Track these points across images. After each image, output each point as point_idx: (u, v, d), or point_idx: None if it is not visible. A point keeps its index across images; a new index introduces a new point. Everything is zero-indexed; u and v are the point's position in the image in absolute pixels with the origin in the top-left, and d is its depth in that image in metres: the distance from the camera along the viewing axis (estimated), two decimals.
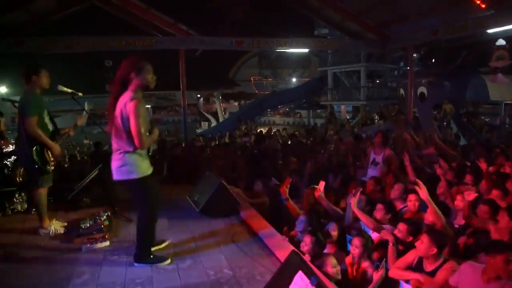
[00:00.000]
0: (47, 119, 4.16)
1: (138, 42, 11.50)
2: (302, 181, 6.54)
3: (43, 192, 4.20)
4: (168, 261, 3.46)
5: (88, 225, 4.21)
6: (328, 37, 20.89)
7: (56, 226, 4.34)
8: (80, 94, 4.65)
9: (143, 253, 3.41)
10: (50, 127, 4.22)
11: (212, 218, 4.70)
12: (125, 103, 3.07)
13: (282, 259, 3.25)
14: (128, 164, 3.20)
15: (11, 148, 5.76)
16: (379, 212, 4.25)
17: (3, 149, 5.25)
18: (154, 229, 3.57)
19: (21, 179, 5.71)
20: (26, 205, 5.22)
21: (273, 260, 3.48)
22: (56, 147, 4.16)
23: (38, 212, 4.27)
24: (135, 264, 3.39)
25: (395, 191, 4.86)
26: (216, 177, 5.16)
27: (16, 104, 4.17)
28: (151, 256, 3.44)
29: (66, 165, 9.12)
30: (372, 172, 6.11)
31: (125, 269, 3.37)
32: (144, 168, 3.29)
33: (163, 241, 3.88)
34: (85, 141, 13.23)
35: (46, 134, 4.08)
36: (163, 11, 12.56)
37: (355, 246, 3.52)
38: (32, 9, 11.08)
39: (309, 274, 2.11)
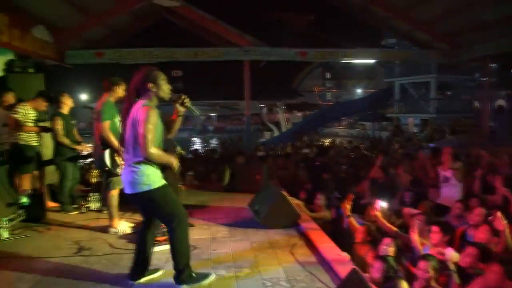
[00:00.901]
0: (119, 125, 4.45)
1: (206, 53, 11.94)
2: (365, 195, 6.32)
3: (114, 193, 4.47)
4: (213, 276, 3.20)
5: None
6: (396, 47, 20.20)
7: (124, 226, 4.60)
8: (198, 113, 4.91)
9: (181, 272, 3.08)
10: None
11: (272, 229, 4.69)
12: (138, 109, 2.92)
13: (342, 276, 3.16)
14: (140, 176, 2.93)
15: (88, 151, 6.20)
16: (435, 234, 3.94)
17: (81, 152, 5.69)
18: (188, 244, 3.17)
19: (95, 180, 6.16)
20: (99, 204, 5.60)
21: (332, 276, 3.38)
22: None
23: (109, 212, 4.55)
24: (176, 285, 3.10)
25: (475, 216, 4.39)
26: (277, 188, 5.16)
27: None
28: (193, 275, 3.12)
29: None
30: (444, 190, 5.74)
31: None
32: (157, 178, 3.00)
33: (157, 270, 3.48)
34: None
35: (118, 140, 4.37)
36: (229, 22, 12.94)
37: (423, 271, 3.29)
38: (111, 24, 12.04)
39: None
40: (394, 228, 4.41)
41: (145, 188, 2.93)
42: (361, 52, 12.98)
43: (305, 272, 3.47)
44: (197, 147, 24.17)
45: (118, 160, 4.37)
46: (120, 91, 4.56)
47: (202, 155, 12.67)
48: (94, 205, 5.64)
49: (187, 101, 3.18)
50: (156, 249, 3.89)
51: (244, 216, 5.22)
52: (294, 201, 5.23)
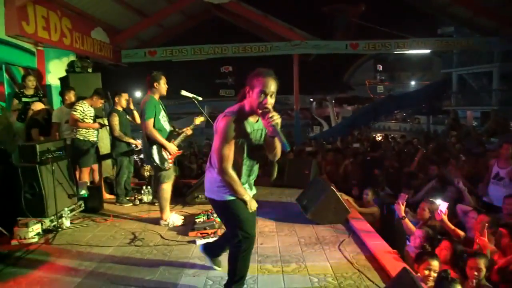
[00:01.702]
0: (164, 121, 4.58)
1: (254, 48, 12.00)
2: (418, 192, 6.04)
3: (165, 186, 4.62)
4: None
5: (202, 220, 4.50)
6: (454, 35, 19.08)
7: (175, 218, 4.75)
8: (200, 98, 5.00)
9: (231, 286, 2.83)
10: (168, 127, 4.63)
11: (320, 224, 4.63)
12: (219, 117, 2.57)
13: (392, 275, 3.05)
14: (217, 183, 2.66)
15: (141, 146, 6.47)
16: (505, 238, 3.67)
17: (136, 147, 5.95)
18: (247, 264, 2.86)
19: (148, 174, 6.42)
20: (151, 197, 5.83)
21: (381, 275, 3.27)
22: (172, 146, 4.55)
23: (160, 205, 4.72)
24: None
25: None
26: (326, 183, 5.09)
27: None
28: None
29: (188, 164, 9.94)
30: (494, 188, 5.27)
31: None
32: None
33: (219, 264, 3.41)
34: (206, 141, 14.31)
35: (163, 135, 4.50)
36: (280, 17, 12.90)
37: (473, 269, 3.12)
38: (164, 23, 12.46)
39: None
40: (462, 233, 4.15)
41: (220, 197, 2.67)
42: (415, 42, 12.42)
43: (353, 270, 3.39)
44: None
45: (166, 155, 4.49)
46: (162, 86, 4.54)
47: None
48: (147, 197, 5.89)
49: (275, 119, 2.39)
50: (200, 242, 3.99)
51: (291, 211, 5.20)
52: (343, 197, 5.13)
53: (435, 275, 3.09)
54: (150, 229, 4.58)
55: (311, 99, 34.73)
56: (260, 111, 2.41)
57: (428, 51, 13.97)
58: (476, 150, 9.09)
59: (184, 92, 4.85)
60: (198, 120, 5.08)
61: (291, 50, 12.17)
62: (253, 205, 2.70)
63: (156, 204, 5.25)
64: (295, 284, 3.16)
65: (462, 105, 23.53)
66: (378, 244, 3.85)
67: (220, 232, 4.25)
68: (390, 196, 6.18)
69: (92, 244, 4.14)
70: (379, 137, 17.76)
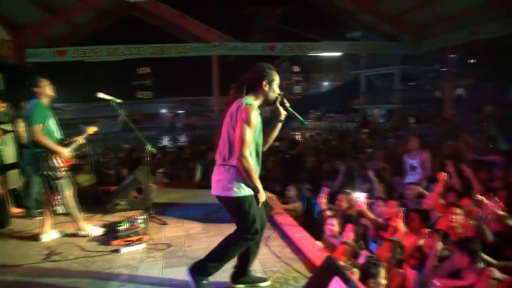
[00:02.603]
0: (53, 127, 4.26)
1: (173, 49, 11.79)
2: (335, 185, 6.45)
3: (67, 194, 4.29)
4: None
5: (125, 228, 4.32)
6: (361, 39, 20.59)
7: (93, 228, 4.48)
8: (119, 100, 4.79)
9: (203, 268, 2.87)
10: (58, 135, 4.32)
11: None
12: (238, 107, 2.69)
13: (317, 264, 3.22)
14: (232, 179, 2.74)
15: None
16: (415, 221, 4.12)
17: None
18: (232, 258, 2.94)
19: None
20: None
21: (307, 265, 3.44)
22: (64, 152, 4.21)
23: (71, 215, 4.40)
24: (188, 270, 2.89)
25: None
26: None
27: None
28: (204, 282, 2.87)
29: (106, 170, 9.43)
30: (410, 178, 5.91)
31: (161, 271, 3.43)
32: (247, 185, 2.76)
33: (265, 280, 3.17)
34: (125, 146, 13.66)
35: (53, 142, 4.19)
36: (197, 18, 12.83)
37: (384, 251, 3.45)
38: (75, 21, 11.66)
39: (346, 279, 2.06)
40: (380, 220, 4.54)
41: (235, 193, 2.73)
42: (328, 45, 13.20)
43: (280, 263, 3.51)
44: (165, 145, 23.84)
45: (57, 162, 4.17)
46: (45, 90, 4.21)
47: (171, 152, 12.49)
48: (62, 208, 5.45)
49: (287, 102, 2.88)
50: (125, 250, 3.84)
51: (217, 212, 5.20)
52: (267, 194, 5.25)
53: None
54: (67, 242, 4.26)
55: None
56: (280, 99, 2.83)
57: (339, 53, 14.91)
58: (383, 145, 9.98)
59: (101, 95, 4.60)
60: (91, 129, 4.72)
61: (210, 52, 12.18)
62: (264, 195, 2.79)
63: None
64: (227, 284, 3.18)
65: (370, 104, 25.51)
66: (302, 237, 4.03)
67: (146, 238, 4.12)
68: (310, 191, 6.49)
69: (0, 264, 3.73)
70: (297, 135, 18.49)
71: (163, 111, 47.65)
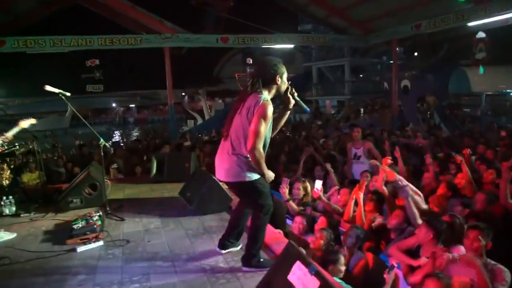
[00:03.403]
0: None
1: (123, 41, 11.40)
2: (291, 175, 6.60)
3: None
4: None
5: (80, 225, 4.18)
6: (312, 32, 21.01)
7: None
8: (68, 94, 4.59)
9: (251, 254, 3.17)
10: None
11: (205, 215, 4.72)
12: (256, 102, 2.87)
13: (277, 252, 3.31)
14: (243, 166, 2.99)
15: None
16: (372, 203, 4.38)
17: None
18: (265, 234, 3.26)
19: (7, 183, 5.63)
20: (14, 208, 5.15)
21: (268, 253, 3.52)
22: None
23: None
24: (244, 267, 3.18)
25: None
26: (207, 174, 5.17)
27: None
28: (261, 260, 3.19)
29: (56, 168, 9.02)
30: (355, 166, 6.20)
31: (121, 268, 3.37)
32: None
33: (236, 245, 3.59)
34: (76, 142, 13.06)
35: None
36: (148, 9, 12.48)
37: (348, 236, 3.62)
38: (13, 9, 10.92)
39: (307, 263, 2.15)
40: (336, 206, 4.74)
41: (249, 178, 2.99)
42: (280, 37, 13.34)
43: (241, 252, 3.56)
44: (118, 140, 23.13)
45: None
46: None
47: (125, 147, 12.16)
48: (9, 209, 5.15)
49: (295, 92, 3.11)
50: (82, 248, 3.73)
51: (176, 205, 5.17)
52: (224, 186, 5.29)
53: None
54: (16, 244, 4.03)
55: (183, 93, 34.47)
56: (290, 89, 3.07)
57: (291, 46, 15.14)
58: (335, 135, 10.34)
59: (49, 88, 4.38)
60: (25, 123, 4.53)
61: (162, 43, 11.91)
62: (272, 174, 3.06)
63: (22, 216, 4.68)
64: (189, 274, 3.20)
65: (321, 95, 26.14)
66: None
67: (102, 235, 4.02)
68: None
69: None
70: None
71: (114, 105, 46.07)
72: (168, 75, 12.37)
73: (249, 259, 3.17)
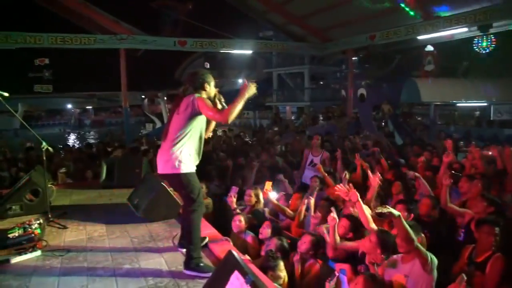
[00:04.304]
0: None
1: (75, 40, 10.99)
2: (247, 182, 6.60)
3: None
4: None
5: (16, 234, 3.94)
6: (273, 39, 21.24)
7: None
8: (6, 94, 4.33)
9: (190, 256, 3.25)
10: None
11: (153, 222, 4.60)
12: (193, 99, 3.20)
13: (221, 258, 3.28)
14: (178, 160, 3.24)
15: None
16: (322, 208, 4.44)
17: None
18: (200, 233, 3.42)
19: None
20: None
21: (212, 260, 3.49)
22: None
23: None
24: (185, 270, 3.25)
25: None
26: (157, 180, 5.04)
27: None
28: (201, 264, 3.25)
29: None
30: (308, 173, 6.31)
31: (58, 279, 3.20)
32: (190, 164, 3.33)
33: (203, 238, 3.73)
34: (28, 144, 12.33)
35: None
36: (104, 8, 12.12)
37: (303, 242, 3.65)
38: None
39: (244, 273, 2.14)
40: (287, 209, 4.78)
41: (182, 170, 3.23)
42: (239, 42, 13.38)
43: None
44: (72, 143, 22.28)
45: None
46: None
47: (76, 150, 11.68)
48: None
49: (222, 98, 3.49)
50: (16, 259, 3.53)
51: (123, 212, 5.00)
52: (175, 192, 5.19)
53: None
54: None
55: (143, 96, 33.72)
56: (218, 96, 3.49)
57: (250, 51, 15.22)
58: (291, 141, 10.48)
59: None
60: None
61: (117, 45, 11.60)
62: (253, 88, 3.32)
63: None
64: (130, 285, 3.09)
65: (282, 101, 26.46)
66: (208, 233, 4.04)
67: (41, 244, 3.81)
68: (220, 188, 6.56)
69: None
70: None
71: (69, 106, 44.29)
72: (123, 76, 12.06)
73: (188, 262, 3.25)
